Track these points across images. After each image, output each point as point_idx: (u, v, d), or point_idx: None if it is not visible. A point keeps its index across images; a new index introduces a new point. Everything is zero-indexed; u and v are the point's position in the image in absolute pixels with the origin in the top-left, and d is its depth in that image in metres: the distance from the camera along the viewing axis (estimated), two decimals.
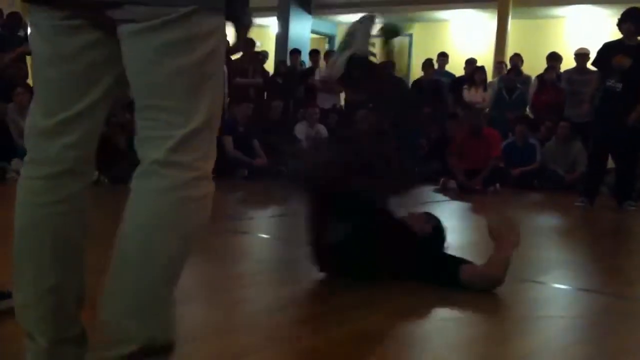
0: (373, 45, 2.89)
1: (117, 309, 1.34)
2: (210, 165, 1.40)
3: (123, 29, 1.33)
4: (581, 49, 8.54)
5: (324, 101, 9.66)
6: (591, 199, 6.23)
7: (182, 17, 1.30)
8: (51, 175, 1.43)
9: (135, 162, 1.38)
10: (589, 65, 8.10)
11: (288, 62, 10.68)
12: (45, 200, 1.43)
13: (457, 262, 2.79)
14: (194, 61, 1.33)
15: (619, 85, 5.94)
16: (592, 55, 7.92)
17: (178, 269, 1.37)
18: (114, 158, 5.63)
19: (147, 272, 1.33)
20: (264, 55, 10.87)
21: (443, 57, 10.60)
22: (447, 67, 10.65)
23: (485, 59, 10.96)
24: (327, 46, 13.63)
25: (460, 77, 10.11)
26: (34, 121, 1.45)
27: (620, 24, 6.07)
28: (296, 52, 10.79)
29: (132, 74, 1.35)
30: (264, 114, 8.42)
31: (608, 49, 6.15)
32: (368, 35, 2.82)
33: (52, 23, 1.37)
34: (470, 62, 10.14)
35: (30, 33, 1.44)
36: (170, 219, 1.34)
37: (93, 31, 1.38)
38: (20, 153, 6.21)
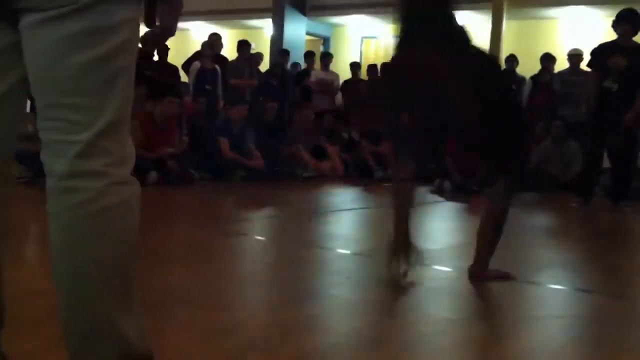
0: None
1: (79, 338, 1.28)
2: (125, 169, 1.30)
3: (25, 20, 1.22)
4: (574, 49, 8.57)
5: (319, 103, 9.66)
6: (586, 199, 6.24)
7: (89, 5, 1.20)
8: None
9: None
10: (582, 66, 8.13)
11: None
12: None
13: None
14: (102, 54, 1.23)
15: (615, 86, 5.96)
16: (586, 56, 7.95)
17: (123, 278, 1.30)
18: None
19: (91, 293, 1.26)
20: (259, 56, 10.87)
21: None
22: None
23: None
24: (322, 48, 13.63)
25: None
26: None
27: (616, 26, 6.09)
28: (284, 52, 10.75)
29: (33, 68, 1.24)
30: (259, 115, 8.42)
31: (603, 50, 6.17)
32: None
33: None
34: None
35: None
36: (92, 233, 1.25)
37: (9, 30, 1.26)
38: (16, 156, 6.19)
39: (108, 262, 1.27)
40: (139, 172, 5.93)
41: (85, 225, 1.25)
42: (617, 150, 6.21)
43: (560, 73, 8.75)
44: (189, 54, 9.48)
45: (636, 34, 6.07)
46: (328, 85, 10.04)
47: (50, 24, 1.20)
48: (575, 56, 8.42)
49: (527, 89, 9.21)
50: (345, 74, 10.62)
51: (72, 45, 1.21)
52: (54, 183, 1.26)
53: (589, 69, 6.60)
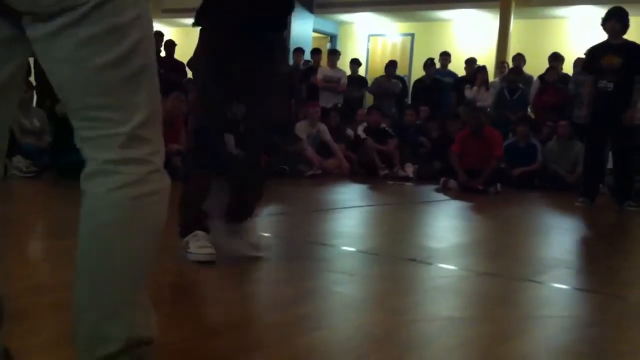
0: None
1: (93, 314, 1.30)
2: (161, 159, 1.35)
3: (39, 32, 1.24)
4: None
5: (326, 100, 9.66)
6: (591, 199, 6.23)
7: (97, 6, 1.22)
8: None
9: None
10: None
11: (291, 61, 10.68)
12: None
13: None
14: (123, 53, 1.26)
15: (611, 85, 5.95)
16: None
17: (146, 266, 1.36)
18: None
19: (116, 275, 1.30)
20: None
21: (445, 56, 10.60)
22: (449, 67, 10.66)
23: (488, 58, 10.97)
24: (328, 45, 13.63)
25: (463, 77, 10.13)
26: None
27: (605, 23, 6.10)
28: (299, 50, 10.78)
29: (57, 75, 1.28)
30: None
31: (596, 51, 6.17)
32: None
33: None
34: (470, 62, 10.15)
35: None
36: (130, 217, 1.29)
37: (18, 38, 1.28)
38: (23, 150, 6.23)
39: (137, 248, 1.32)
40: None
41: (124, 207, 1.28)
42: (616, 149, 6.21)
43: (576, 74, 8.69)
44: None
45: (625, 31, 6.07)
46: (334, 82, 10.04)
47: (68, 31, 1.22)
48: None
49: (534, 88, 9.19)
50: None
51: (91, 49, 1.23)
52: (95, 166, 1.28)
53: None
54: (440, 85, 10.14)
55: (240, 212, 3.17)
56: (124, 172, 1.28)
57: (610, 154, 6.50)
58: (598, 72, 6.05)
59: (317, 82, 9.89)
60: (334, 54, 10.61)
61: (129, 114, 1.28)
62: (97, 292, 1.30)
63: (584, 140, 6.63)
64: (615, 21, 6.01)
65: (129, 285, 1.32)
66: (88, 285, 1.31)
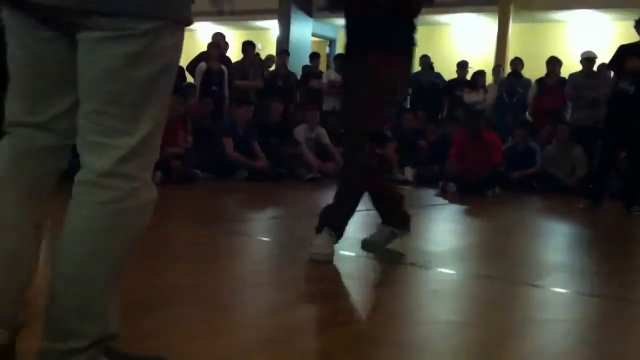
0: None
1: (67, 309, 1.40)
2: (149, 171, 1.46)
3: (86, 35, 1.37)
4: (588, 52, 8.44)
5: (329, 104, 9.65)
6: (597, 201, 6.20)
7: (143, 33, 1.37)
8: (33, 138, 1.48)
9: None
10: (595, 69, 8.12)
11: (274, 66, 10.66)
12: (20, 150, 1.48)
13: None
14: (153, 73, 1.40)
15: (632, 88, 5.94)
16: (599, 60, 7.91)
17: (121, 270, 1.46)
18: None
19: (94, 277, 1.40)
20: (268, 58, 10.87)
21: (425, 58, 10.50)
22: (447, 71, 10.65)
23: (486, 62, 10.97)
24: (328, 49, 13.63)
25: (453, 80, 10.10)
26: (13, 114, 1.50)
27: (637, 27, 6.09)
28: (284, 53, 10.68)
29: (87, 78, 1.40)
30: (264, 116, 8.42)
31: (623, 52, 6.15)
32: None
33: (27, 31, 1.43)
34: (462, 65, 10.11)
35: (4, 31, 1.49)
36: (113, 227, 1.41)
37: (66, 38, 1.42)
38: None
39: (117, 252, 1.43)
40: None
41: (109, 218, 1.40)
42: (631, 152, 6.18)
43: (573, 76, 8.60)
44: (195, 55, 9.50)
45: None
46: (339, 86, 10.03)
47: (109, 43, 1.36)
48: (588, 59, 8.31)
49: (533, 91, 9.18)
50: None
51: (128, 63, 1.37)
52: (90, 176, 1.40)
53: (601, 72, 6.59)
54: (437, 88, 10.14)
55: (327, 217, 3.35)
56: (114, 187, 1.39)
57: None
58: (621, 72, 6.04)
59: (320, 86, 9.87)
60: (341, 58, 10.59)
61: (137, 126, 1.40)
62: (74, 289, 1.40)
63: (601, 140, 6.53)
64: None
65: (105, 285, 1.42)
66: (66, 282, 1.40)
